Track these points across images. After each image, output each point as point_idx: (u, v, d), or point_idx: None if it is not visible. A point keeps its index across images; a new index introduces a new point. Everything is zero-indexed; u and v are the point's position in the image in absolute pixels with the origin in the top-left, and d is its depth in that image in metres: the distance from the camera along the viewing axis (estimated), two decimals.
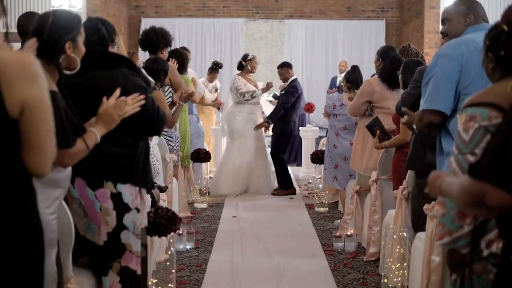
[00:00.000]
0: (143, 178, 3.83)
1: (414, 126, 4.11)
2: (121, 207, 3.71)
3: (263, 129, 9.89)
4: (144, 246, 3.94)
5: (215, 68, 11.45)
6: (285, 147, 10.03)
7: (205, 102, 10.91)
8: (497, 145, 2.20)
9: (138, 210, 3.79)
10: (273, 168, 9.98)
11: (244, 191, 9.71)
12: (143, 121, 3.69)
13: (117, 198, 3.70)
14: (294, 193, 9.86)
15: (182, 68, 8.18)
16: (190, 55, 10.56)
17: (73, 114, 3.14)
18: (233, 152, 9.72)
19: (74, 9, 14.86)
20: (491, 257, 2.58)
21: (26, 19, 5.05)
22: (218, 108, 11.15)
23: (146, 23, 17.56)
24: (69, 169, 3.21)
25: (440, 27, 4.16)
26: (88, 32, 3.71)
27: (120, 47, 3.98)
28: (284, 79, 9.90)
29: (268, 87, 9.63)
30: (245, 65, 9.80)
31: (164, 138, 7.31)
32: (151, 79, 6.14)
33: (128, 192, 3.73)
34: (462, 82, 3.72)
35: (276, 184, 9.98)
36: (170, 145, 7.46)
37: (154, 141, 6.57)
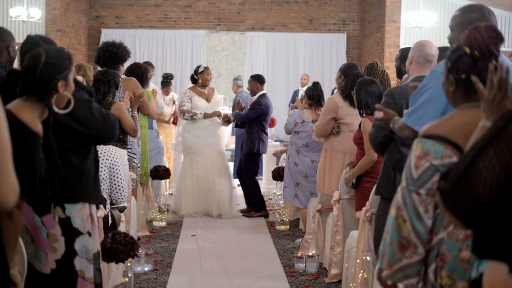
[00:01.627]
0: (93, 194, 3.73)
1: (391, 125, 3.94)
2: (71, 232, 3.59)
3: (222, 145, 9.57)
4: (99, 271, 3.82)
5: (167, 80, 11.28)
6: (255, 167, 9.53)
7: (164, 117, 10.78)
8: (458, 175, 2.14)
9: (89, 234, 3.67)
10: (239, 190, 9.68)
11: (204, 213, 9.25)
12: (89, 133, 3.60)
13: (66, 223, 3.57)
14: (266, 215, 9.38)
15: (142, 82, 8.02)
16: (153, 70, 10.41)
17: (55, 164, 3.02)
18: (185, 170, 9.38)
19: (33, 19, 14.61)
20: None
21: None
22: (174, 123, 10.99)
23: (107, 34, 17.39)
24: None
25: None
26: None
27: None
28: (252, 92, 9.59)
29: (214, 114, 9.28)
30: (197, 78, 9.40)
31: (128, 155, 7.17)
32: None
33: (78, 216, 3.61)
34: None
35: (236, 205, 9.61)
36: (134, 162, 7.32)
37: (124, 158, 6.43)
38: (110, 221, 5.47)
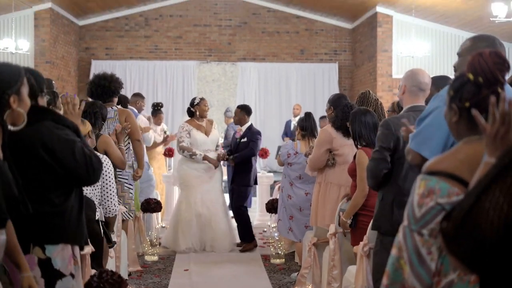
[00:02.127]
0: (76, 235, 3.50)
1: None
2: (52, 274, 3.37)
3: (220, 180, 9.27)
4: None
5: (157, 109, 11.09)
6: (247, 198, 9.44)
7: (156, 146, 10.59)
8: (462, 215, 1.98)
9: (73, 276, 3.45)
10: (233, 223, 9.41)
11: (200, 247, 8.95)
12: (69, 175, 3.42)
13: (46, 264, 3.36)
14: (256, 245, 9.28)
15: None
16: (144, 101, 10.23)
17: (15, 182, 2.82)
18: (182, 204, 9.09)
19: (21, 51, 14.50)
20: None
21: None
22: (166, 154, 10.83)
23: (97, 66, 17.30)
24: (3, 237, 2.87)
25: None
26: None
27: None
28: (239, 122, 9.45)
29: (213, 163, 8.93)
30: (194, 110, 9.17)
31: (125, 187, 7.05)
32: None
33: (60, 256, 3.39)
34: None
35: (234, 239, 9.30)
36: (131, 193, 7.19)
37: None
38: (102, 232, 5.34)
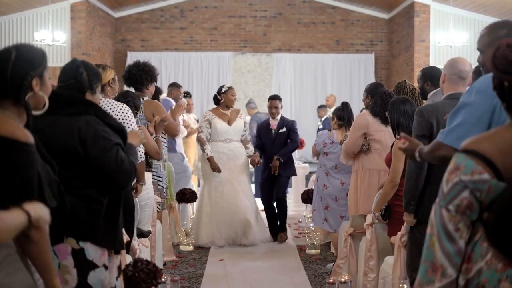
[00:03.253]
0: (106, 238, 3.43)
1: (417, 154, 3.66)
2: (85, 265, 3.35)
3: (245, 171, 9.05)
4: None
5: (185, 96, 11.03)
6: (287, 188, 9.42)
7: (194, 132, 10.55)
8: (504, 205, 1.92)
9: (106, 267, 3.42)
10: (262, 215, 9.28)
11: (230, 241, 8.72)
12: (103, 176, 3.37)
13: (79, 254, 3.34)
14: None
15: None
16: (180, 90, 10.16)
17: (49, 164, 2.79)
18: (204, 197, 8.90)
19: (58, 43, 14.61)
20: None
21: None
22: None
23: (132, 57, 17.30)
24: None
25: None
26: (66, 74, 3.46)
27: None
28: (277, 113, 9.22)
29: (214, 168, 8.63)
30: (220, 98, 8.91)
31: (153, 178, 7.00)
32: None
33: (93, 247, 3.37)
34: (496, 122, 3.25)
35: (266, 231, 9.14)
36: (160, 185, 7.15)
37: (148, 181, 6.20)
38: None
